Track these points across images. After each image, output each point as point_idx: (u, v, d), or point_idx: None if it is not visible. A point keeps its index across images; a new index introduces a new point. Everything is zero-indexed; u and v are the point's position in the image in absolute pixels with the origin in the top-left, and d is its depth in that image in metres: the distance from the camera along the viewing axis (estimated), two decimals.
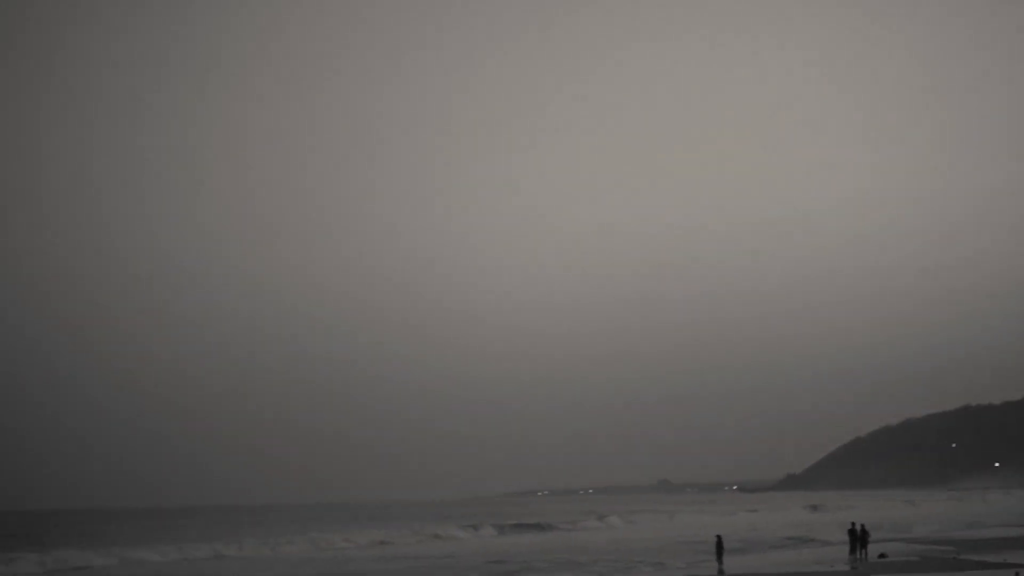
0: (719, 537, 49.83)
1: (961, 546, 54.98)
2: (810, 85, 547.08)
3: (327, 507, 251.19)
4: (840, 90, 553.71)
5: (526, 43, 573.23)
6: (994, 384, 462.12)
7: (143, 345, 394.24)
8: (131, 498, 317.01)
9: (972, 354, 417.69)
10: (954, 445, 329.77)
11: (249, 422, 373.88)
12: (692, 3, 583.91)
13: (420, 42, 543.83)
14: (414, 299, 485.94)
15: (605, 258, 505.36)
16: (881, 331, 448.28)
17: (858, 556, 50.07)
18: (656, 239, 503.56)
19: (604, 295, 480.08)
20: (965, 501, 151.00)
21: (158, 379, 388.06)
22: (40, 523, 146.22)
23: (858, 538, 50.88)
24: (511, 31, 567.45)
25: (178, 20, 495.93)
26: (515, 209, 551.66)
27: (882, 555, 50.49)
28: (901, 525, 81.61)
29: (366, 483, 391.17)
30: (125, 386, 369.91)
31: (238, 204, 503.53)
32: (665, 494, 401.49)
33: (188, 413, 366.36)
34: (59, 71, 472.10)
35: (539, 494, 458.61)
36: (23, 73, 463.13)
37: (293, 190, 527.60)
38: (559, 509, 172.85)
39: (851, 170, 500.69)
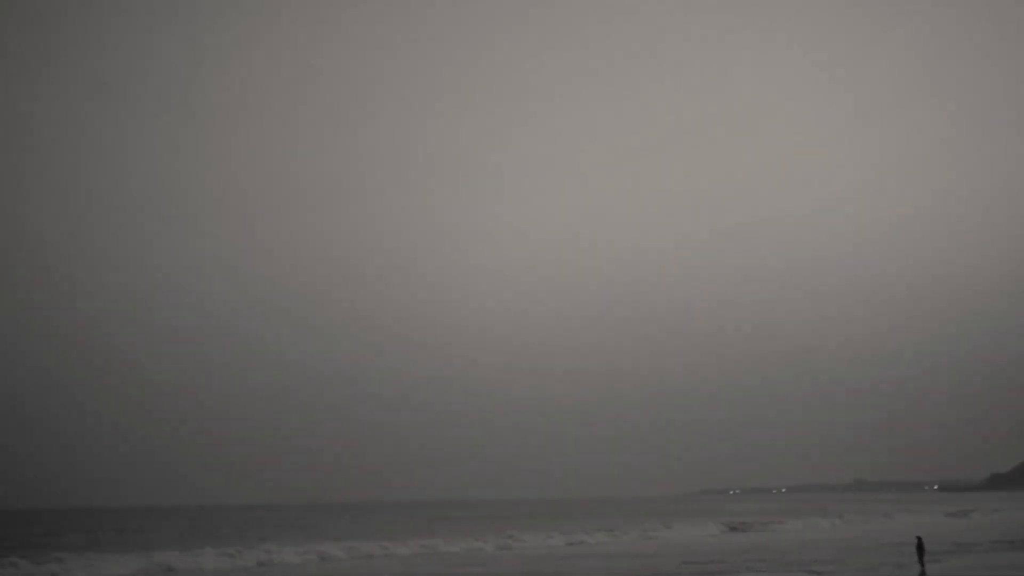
0: (919, 539, 49.40)
1: None
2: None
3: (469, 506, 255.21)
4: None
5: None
6: None
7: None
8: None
9: None
10: None
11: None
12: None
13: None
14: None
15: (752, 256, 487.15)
16: None
17: None
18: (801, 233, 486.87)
19: (755, 289, 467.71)
20: None
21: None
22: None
23: None
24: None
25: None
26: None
27: None
28: None
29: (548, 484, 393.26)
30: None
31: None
32: (861, 493, 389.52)
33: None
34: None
35: (731, 492, 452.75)
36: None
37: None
38: (757, 508, 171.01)
39: None
